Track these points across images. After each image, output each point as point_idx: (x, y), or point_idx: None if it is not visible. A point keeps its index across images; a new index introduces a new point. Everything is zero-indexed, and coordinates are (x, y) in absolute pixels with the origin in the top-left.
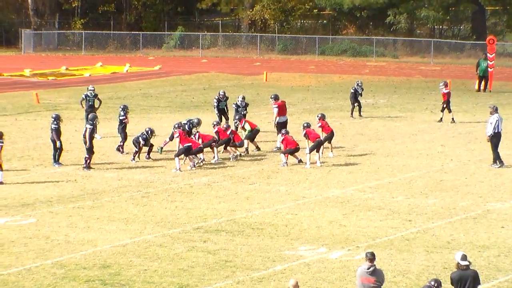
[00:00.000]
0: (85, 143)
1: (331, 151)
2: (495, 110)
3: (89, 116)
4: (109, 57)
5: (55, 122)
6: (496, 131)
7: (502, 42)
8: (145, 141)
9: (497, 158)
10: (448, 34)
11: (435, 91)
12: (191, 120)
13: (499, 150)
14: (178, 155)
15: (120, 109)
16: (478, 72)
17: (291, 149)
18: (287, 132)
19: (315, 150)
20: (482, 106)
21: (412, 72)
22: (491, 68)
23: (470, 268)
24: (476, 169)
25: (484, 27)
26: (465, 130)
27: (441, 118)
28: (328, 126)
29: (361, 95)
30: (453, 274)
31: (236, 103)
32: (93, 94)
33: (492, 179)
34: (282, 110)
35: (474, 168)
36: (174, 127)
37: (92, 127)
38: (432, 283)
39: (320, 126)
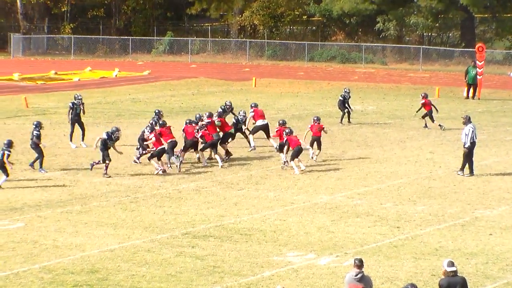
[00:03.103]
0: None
1: (316, 155)
2: (468, 120)
3: (112, 128)
4: (98, 62)
5: (37, 129)
6: (472, 141)
7: (491, 50)
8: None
9: (464, 167)
10: (437, 41)
11: None
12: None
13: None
14: (151, 157)
15: (155, 115)
16: (466, 79)
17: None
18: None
19: (296, 156)
20: (471, 114)
21: (401, 79)
22: (480, 76)
23: (458, 275)
24: (464, 177)
25: (473, 34)
26: (454, 138)
27: (426, 124)
28: (317, 130)
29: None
30: (441, 281)
31: (237, 118)
32: (80, 102)
33: (480, 186)
34: (258, 115)
35: (462, 175)
36: (145, 130)
37: (106, 138)
38: (409, 287)
39: (311, 128)
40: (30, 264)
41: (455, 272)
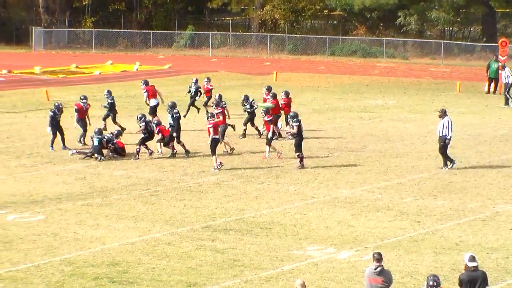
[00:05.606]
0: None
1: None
2: (444, 113)
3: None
4: (119, 56)
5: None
6: (447, 133)
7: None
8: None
9: (447, 160)
10: (458, 36)
11: (445, 93)
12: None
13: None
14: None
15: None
16: (488, 73)
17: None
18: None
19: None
20: (492, 108)
21: (422, 73)
22: (501, 70)
23: (479, 269)
24: (485, 171)
25: (494, 29)
26: (475, 132)
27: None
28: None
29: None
30: (462, 275)
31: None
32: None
33: (501, 181)
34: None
35: (483, 170)
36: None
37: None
38: (431, 283)
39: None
40: (50, 257)
41: (476, 267)
